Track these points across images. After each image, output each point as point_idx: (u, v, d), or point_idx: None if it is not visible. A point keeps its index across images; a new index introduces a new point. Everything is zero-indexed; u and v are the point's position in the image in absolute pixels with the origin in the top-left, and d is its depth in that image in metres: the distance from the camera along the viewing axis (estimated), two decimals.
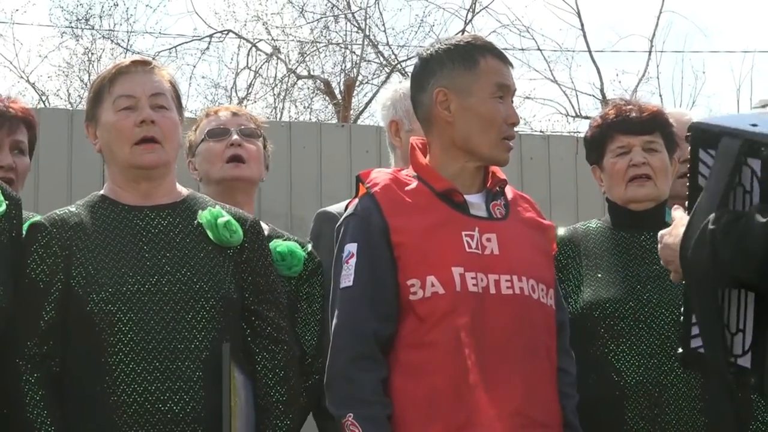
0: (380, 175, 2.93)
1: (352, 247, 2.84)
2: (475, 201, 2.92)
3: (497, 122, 2.91)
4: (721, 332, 2.40)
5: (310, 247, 3.56)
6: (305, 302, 3.50)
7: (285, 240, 3.51)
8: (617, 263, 3.39)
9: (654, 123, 3.45)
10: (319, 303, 3.50)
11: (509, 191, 3.03)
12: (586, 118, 17.16)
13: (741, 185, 2.38)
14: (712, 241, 2.33)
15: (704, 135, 2.47)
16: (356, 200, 2.92)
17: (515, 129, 2.97)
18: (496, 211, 2.94)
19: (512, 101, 2.96)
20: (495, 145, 2.91)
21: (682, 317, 2.55)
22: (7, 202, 2.99)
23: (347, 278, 2.82)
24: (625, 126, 3.44)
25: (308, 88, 18.63)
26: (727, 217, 2.34)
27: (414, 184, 2.91)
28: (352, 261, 2.83)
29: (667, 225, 2.65)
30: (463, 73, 2.93)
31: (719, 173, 2.39)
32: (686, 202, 2.53)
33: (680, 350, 2.54)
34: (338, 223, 2.93)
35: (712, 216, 2.35)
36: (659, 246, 2.62)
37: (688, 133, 2.50)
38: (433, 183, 2.91)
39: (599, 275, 3.37)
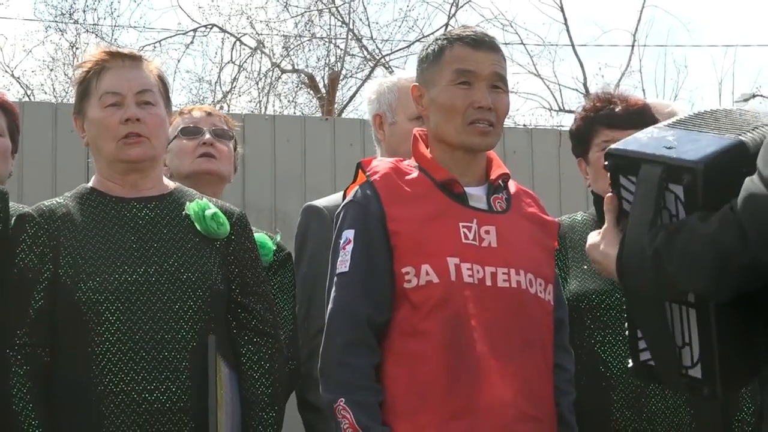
0: (381, 164, 2.94)
1: (349, 233, 2.85)
2: (476, 193, 2.92)
3: (458, 108, 2.89)
4: (671, 347, 2.39)
5: (278, 238, 3.62)
6: (278, 292, 3.53)
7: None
8: None
9: (640, 118, 3.44)
10: (291, 293, 3.55)
11: (512, 185, 3.02)
12: (570, 112, 17.18)
13: (666, 209, 2.35)
14: (655, 258, 2.28)
15: (623, 162, 2.41)
16: (356, 187, 2.92)
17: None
18: (497, 204, 2.93)
19: (495, 86, 2.91)
20: (461, 131, 2.89)
21: (627, 332, 2.52)
22: None
23: (344, 264, 2.83)
24: (610, 120, 3.45)
25: (292, 82, 18.64)
26: (665, 231, 2.29)
27: (415, 173, 2.92)
28: (349, 247, 2.83)
29: None
30: (431, 65, 2.95)
31: (644, 199, 2.35)
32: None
33: (630, 363, 2.52)
34: (338, 210, 2.94)
35: (648, 235, 2.30)
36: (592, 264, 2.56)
37: (605, 162, 2.44)
38: (433, 173, 2.91)
39: (585, 267, 3.37)
